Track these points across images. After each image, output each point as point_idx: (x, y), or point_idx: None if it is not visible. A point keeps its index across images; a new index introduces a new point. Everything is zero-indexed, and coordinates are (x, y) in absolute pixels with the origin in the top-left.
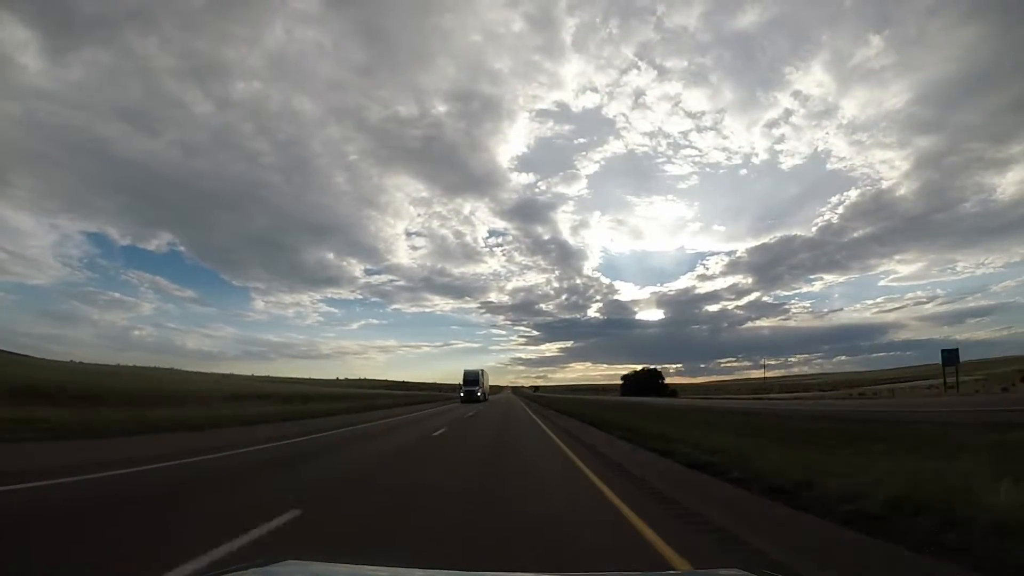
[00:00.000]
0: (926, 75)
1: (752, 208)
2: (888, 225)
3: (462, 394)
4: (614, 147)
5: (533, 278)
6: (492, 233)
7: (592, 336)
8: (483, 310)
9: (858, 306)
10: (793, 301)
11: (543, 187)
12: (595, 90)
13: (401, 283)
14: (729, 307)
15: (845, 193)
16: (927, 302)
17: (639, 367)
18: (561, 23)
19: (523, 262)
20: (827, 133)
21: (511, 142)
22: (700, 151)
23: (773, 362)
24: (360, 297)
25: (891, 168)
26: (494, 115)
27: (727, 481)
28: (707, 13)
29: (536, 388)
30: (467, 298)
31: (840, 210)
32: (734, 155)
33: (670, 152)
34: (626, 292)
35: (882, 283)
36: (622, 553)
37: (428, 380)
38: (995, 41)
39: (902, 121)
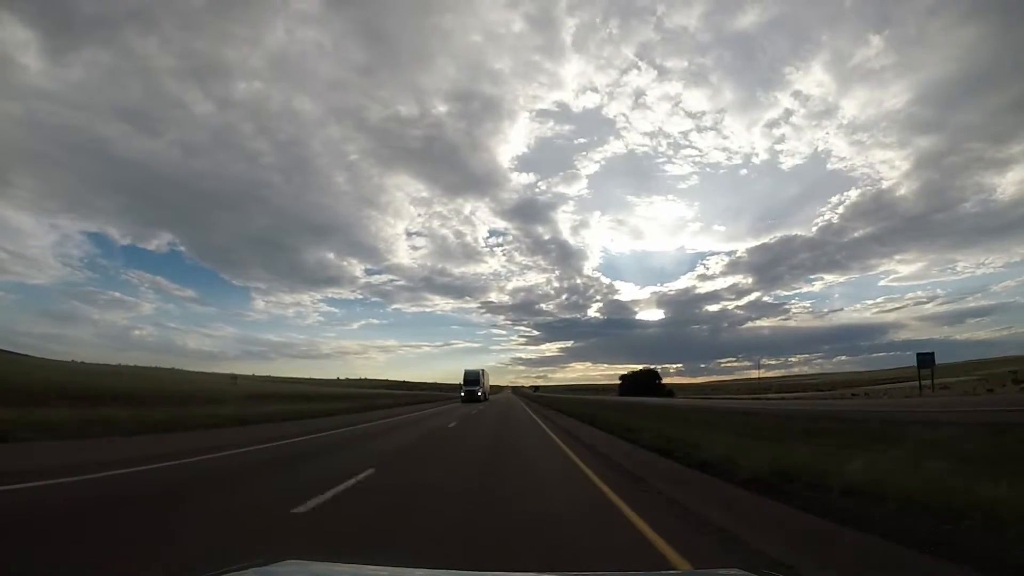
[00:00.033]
0: (926, 75)
1: (752, 208)
2: (888, 225)
3: (463, 394)
4: (614, 147)
5: (533, 278)
6: (492, 233)
7: (592, 336)
8: (483, 310)
9: (858, 306)
10: (793, 301)
11: (543, 187)
12: (595, 90)
13: (401, 283)
14: (729, 307)
15: (845, 193)
16: (927, 302)
17: (639, 367)
18: (561, 23)
19: (523, 262)
20: (827, 133)
21: (511, 142)
22: (700, 151)
23: (773, 362)
24: (360, 297)
25: (891, 168)
26: (494, 115)
27: (674, 460)
28: (707, 13)
29: (536, 388)
30: (467, 298)
31: (840, 210)
32: (734, 155)
33: (670, 152)
34: (626, 292)
35: (882, 283)
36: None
37: (428, 380)
38: (995, 41)
39: (902, 121)
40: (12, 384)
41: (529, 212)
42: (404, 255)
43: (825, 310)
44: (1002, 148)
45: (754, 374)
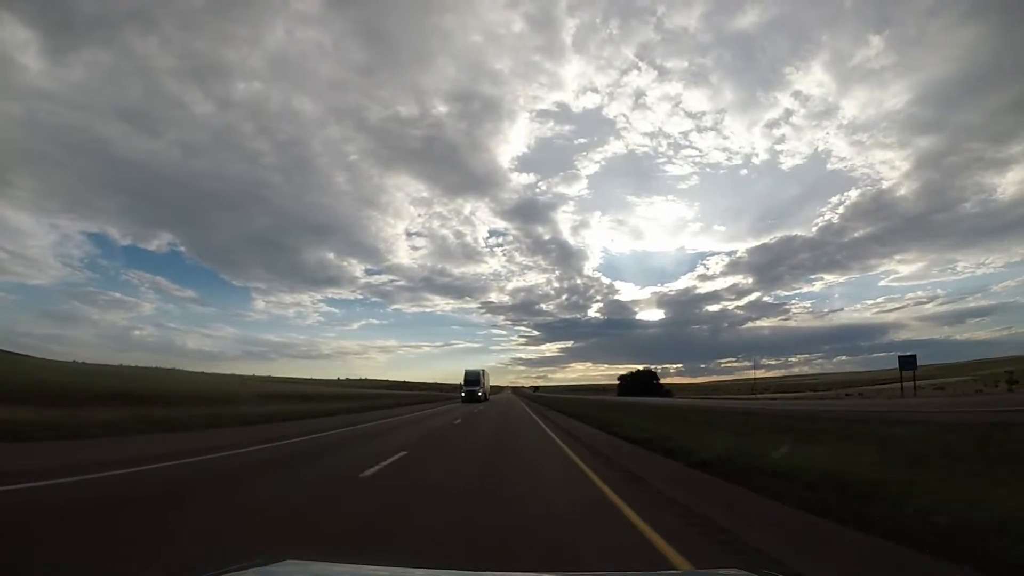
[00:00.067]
0: (926, 75)
1: (752, 208)
2: (888, 225)
3: (463, 394)
4: (614, 147)
5: (533, 278)
6: (492, 233)
7: (592, 336)
8: (483, 310)
9: (858, 306)
10: (793, 301)
11: (543, 187)
12: (595, 90)
13: (401, 283)
14: (729, 307)
15: (845, 193)
16: (927, 302)
17: (639, 367)
18: (561, 24)
19: (523, 262)
20: (827, 133)
21: (511, 142)
22: (700, 151)
23: (773, 362)
24: (360, 297)
25: (891, 168)
26: (495, 115)
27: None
28: (707, 14)
29: (536, 388)
30: (467, 298)
31: (840, 210)
32: (734, 155)
33: (670, 152)
34: (626, 292)
35: (882, 283)
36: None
37: (429, 380)
38: (995, 41)
39: (902, 121)
40: (13, 384)
41: (529, 212)
42: (404, 255)
43: (825, 310)
44: (1002, 148)
45: (755, 374)
